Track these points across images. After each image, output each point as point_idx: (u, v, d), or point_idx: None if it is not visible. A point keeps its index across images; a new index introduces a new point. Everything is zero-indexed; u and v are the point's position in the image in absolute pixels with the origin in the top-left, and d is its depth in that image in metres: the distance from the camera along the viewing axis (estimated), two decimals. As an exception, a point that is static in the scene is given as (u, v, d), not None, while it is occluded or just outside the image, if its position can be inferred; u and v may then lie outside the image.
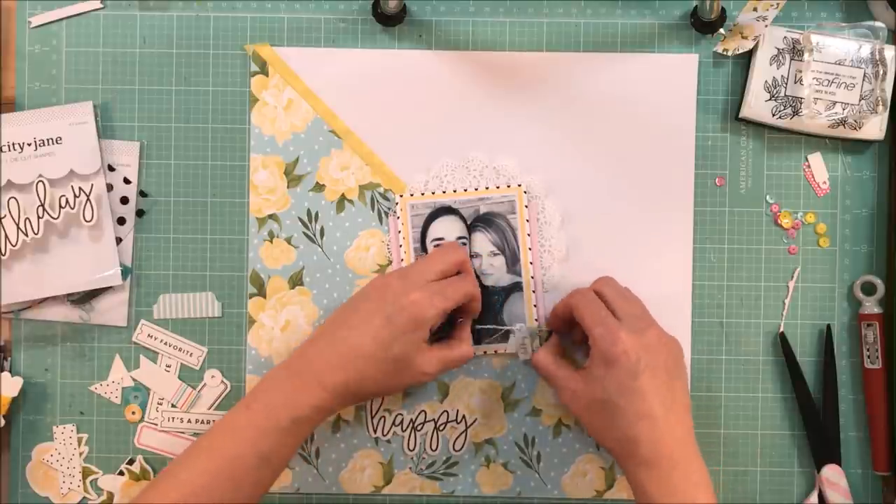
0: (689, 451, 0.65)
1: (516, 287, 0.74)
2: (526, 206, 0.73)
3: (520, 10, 0.75)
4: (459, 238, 0.74)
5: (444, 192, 0.74)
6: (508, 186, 0.74)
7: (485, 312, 0.73)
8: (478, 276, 0.73)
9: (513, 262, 0.74)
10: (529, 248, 0.73)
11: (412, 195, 0.74)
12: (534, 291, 0.73)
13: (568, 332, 0.73)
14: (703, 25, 0.74)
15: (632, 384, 0.64)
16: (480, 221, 0.74)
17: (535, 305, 0.73)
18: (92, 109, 0.74)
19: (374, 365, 0.66)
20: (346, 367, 0.65)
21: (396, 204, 0.74)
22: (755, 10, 0.71)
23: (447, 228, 0.74)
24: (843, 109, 0.73)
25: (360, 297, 0.69)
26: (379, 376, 0.66)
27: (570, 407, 0.68)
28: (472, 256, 0.74)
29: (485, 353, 0.74)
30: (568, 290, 0.74)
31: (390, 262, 0.74)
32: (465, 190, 0.74)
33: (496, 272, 0.74)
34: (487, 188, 0.74)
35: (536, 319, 0.73)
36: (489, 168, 0.74)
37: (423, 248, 0.74)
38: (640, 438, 0.64)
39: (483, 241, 0.74)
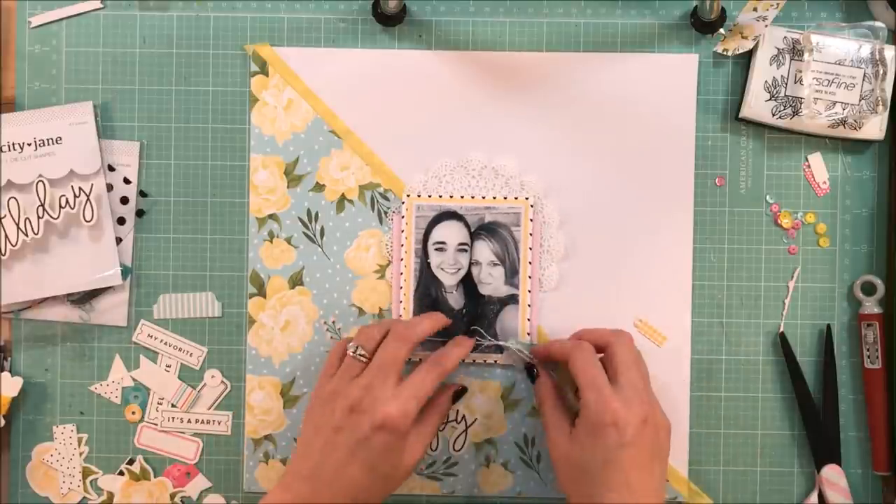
0: None
1: (512, 299, 0.73)
2: (531, 220, 0.73)
3: (520, 10, 0.75)
4: (461, 244, 0.73)
5: (451, 197, 0.74)
6: (516, 198, 0.73)
7: (480, 321, 0.73)
8: (475, 285, 0.73)
9: (511, 275, 0.73)
10: (530, 262, 0.73)
11: (419, 196, 0.74)
12: (529, 306, 0.73)
13: (552, 368, 0.72)
14: (703, 25, 0.74)
15: (614, 456, 0.62)
16: (484, 230, 0.73)
17: (528, 320, 0.73)
18: (92, 109, 0.74)
19: (366, 489, 0.64)
20: (346, 497, 0.64)
21: (402, 203, 0.74)
22: (755, 10, 0.71)
23: (450, 233, 0.74)
24: (843, 109, 0.73)
25: (327, 417, 0.66)
26: (378, 491, 0.65)
27: (551, 454, 0.66)
28: (472, 264, 0.74)
29: (484, 361, 0.74)
30: (568, 292, 0.74)
31: (390, 262, 0.74)
32: (473, 197, 0.74)
33: (494, 282, 0.73)
34: (495, 197, 0.74)
35: (529, 333, 0.73)
36: (488, 168, 0.74)
37: (424, 250, 0.74)
38: None
39: (484, 250, 0.73)
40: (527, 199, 0.73)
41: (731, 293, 0.75)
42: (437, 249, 0.73)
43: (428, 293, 0.73)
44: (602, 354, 0.68)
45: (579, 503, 0.64)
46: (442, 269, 0.73)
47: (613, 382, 0.65)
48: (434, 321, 0.70)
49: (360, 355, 0.67)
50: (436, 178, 0.74)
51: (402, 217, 0.74)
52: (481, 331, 0.73)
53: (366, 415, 0.64)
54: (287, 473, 0.66)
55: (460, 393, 0.73)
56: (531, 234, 0.73)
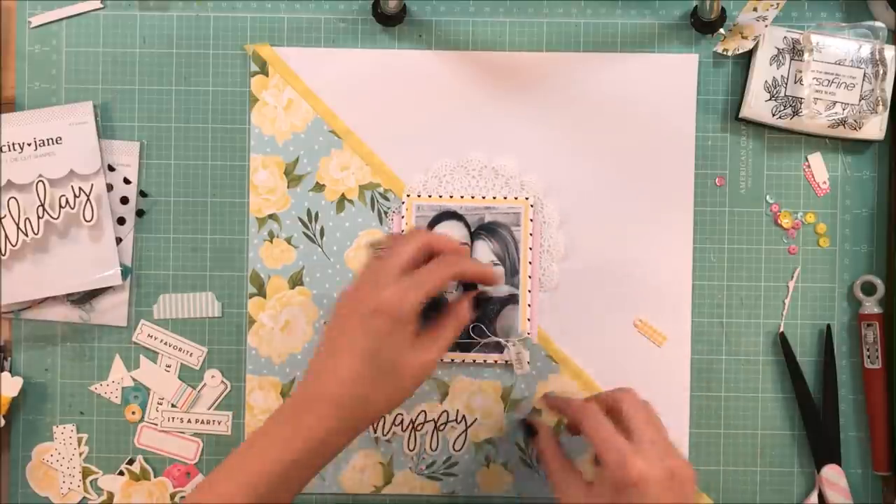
0: None
1: (512, 299, 0.73)
2: (531, 220, 0.73)
3: (520, 10, 0.75)
4: (461, 244, 0.73)
5: (451, 197, 0.74)
6: (516, 198, 0.73)
7: (480, 321, 0.73)
8: (475, 285, 0.73)
9: (511, 274, 0.73)
10: (530, 262, 0.73)
11: (419, 196, 0.74)
12: (529, 305, 0.73)
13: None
14: (703, 25, 0.74)
15: None
16: (484, 230, 0.73)
17: (528, 320, 0.73)
18: (92, 109, 0.74)
19: (371, 381, 0.61)
20: (346, 394, 0.61)
21: (402, 203, 0.74)
22: (755, 10, 0.71)
23: (450, 232, 0.73)
24: (843, 109, 0.73)
25: (335, 318, 0.64)
26: (379, 390, 0.62)
27: None
28: None
29: (484, 361, 0.74)
30: (568, 291, 0.74)
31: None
32: (473, 197, 0.74)
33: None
34: (495, 197, 0.74)
35: (529, 333, 0.73)
36: (488, 168, 0.74)
37: None
38: None
39: (484, 250, 0.73)
40: (527, 198, 0.73)
41: (731, 293, 0.75)
42: None
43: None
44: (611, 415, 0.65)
45: None
46: None
47: (631, 440, 0.61)
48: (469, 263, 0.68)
49: (379, 249, 0.65)
50: (436, 178, 0.74)
51: (402, 217, 0.74)
52: (482, 327, 0.73)
53: (367, 300, 0.61)
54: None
55: (480, 299, 0.69)
56: (531, 234, 0.73)
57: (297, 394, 0.63)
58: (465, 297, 0.68)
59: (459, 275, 0.66)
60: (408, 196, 0.74)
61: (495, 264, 0.73)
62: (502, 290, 0.73)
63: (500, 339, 0.73)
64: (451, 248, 0.66)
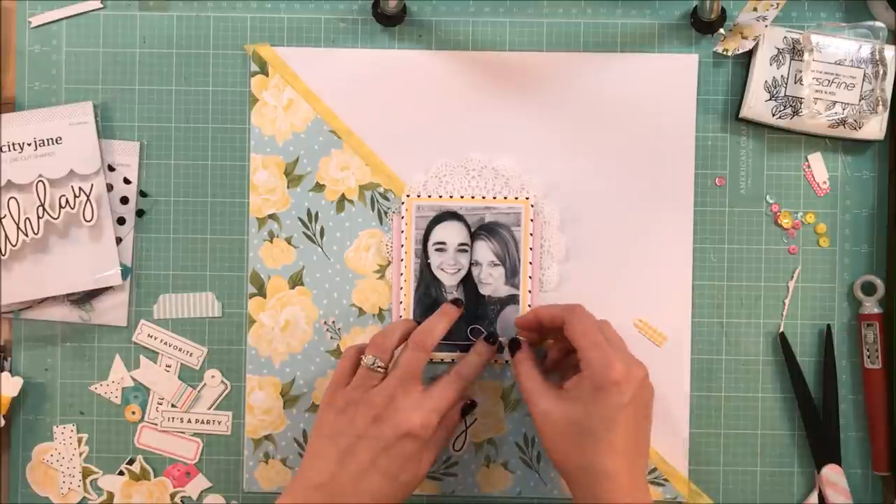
0: (646, 495, 0.64)
1: (512, 299, 0.73)
2: (531, 220, 0.73)
3: (520, 10, 0.75)
4: (461, 245, 0.73)
5: (451, 197, 0.74)
6: (516, 199, 0.73)
7: (480, 321, 0.73)
8: (475, 285, 0.73)
9: (512, 275, 0.73)
10: (530, 262, 0.73)
11: (419, 196, 0.74)
12: (529, 305, 0.73)
13: (537, 342, 0.72)
14: (703, 25, 0.74)
15: (616, 416, 0.62)
16: (484, 230, 0.73)
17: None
18: (92, 109, 0.74)
19: (387, 497, 0.65)
20: None
21: (402, 204, 0.74)
22: (755, 10, 0.71)
23: (450, 233, 0.74)
24: (843, 109, 0.73)
25: (347, 432, 0.66)
26: (393, 500, 0.65)
27: (538, 424, 0.65)
28: (472, 264, 0.74)
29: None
30: (568, 292, 0.74)
31: (390, 262, 0.74)
32: (473, 197, 0.74)
33: (494, 282, 0.73)
34: (495, 197, 0.74)
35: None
36: (488, 168, 0.74)
37: (425, 251, 0.74)
38: (609, 471, 0.62)
39: (484, 250, 0.73)
40: (527, 198, 0.73)
41: (731, 293, 0.75)
42: (437, 250, 0.73)
43: (428, 293, 0.73)
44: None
45: (576, 465, 0.63)
46: (442, 269, 0.73)
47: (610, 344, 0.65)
48: (448, 318, 0.71)
49: (378, 367, 0.67)
50: (436, 178, 0.74)
51: (402, 217, 0.74)
52: (480, 328, 0.73)
53: (389, 423, 0.64)
54: (294, 484, 0.65)
55: (470, 407, 0.73)
56: (531, 235, 0.73)
57: (301, 491, 0.65)
58: (457, 407, 0.71)
59: (470, 382, 0.69)
60: (407, 196, 0.74)
61: (495, 265, 0.73)
62: (502, 290, 0.73)
63: (501, 339, 0.73)
64: (445, 329, 0.70)
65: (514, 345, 0.71)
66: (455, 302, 0.72)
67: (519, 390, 0.70)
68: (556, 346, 0.71)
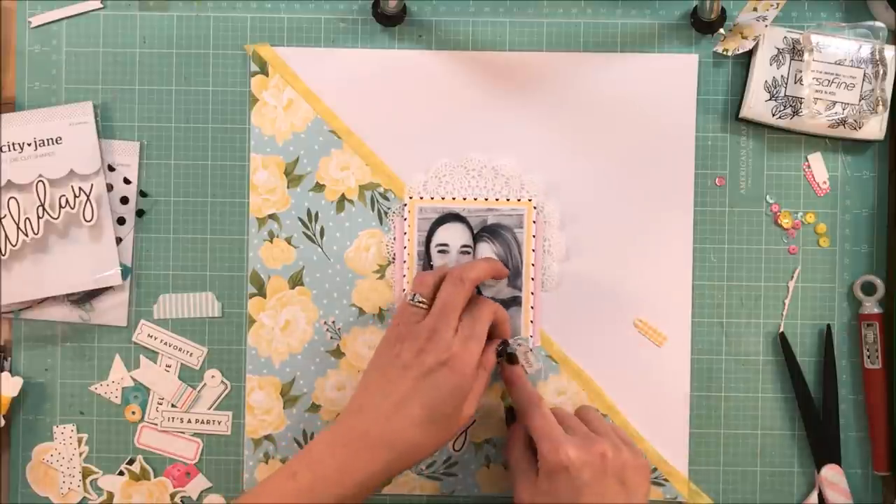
0: None
1: (515, 301, 0.73)
2: (534, 222, 0.73)
3: (520, 10, 0.75)
4: (463, 246, 0.73)
5: (453, 199, 0.74)
6: (519, 200, 0.73)
7: None
8: (478, 287, 0.73)
9: (514, 277, 0.73)
10: (533, 265, 0.73)
11: (421, 198, 0.74)
12: (532, 308, 0.73)
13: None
14: (703, 25, 0.74)
15: (576, 499, 0.63)
16: (487, 232, 0.73)
17: (531, 322, 0.73)
18: (92, 109, 0.74)
19: (425, 431, 0.64)
20: (399, 438, 0.63)
21: (405, 206, 0.74)
22: (755, 10, 0.71)
23: (453, 235, 0.73)
24: (843, 109, 0.73)
25: (389, 358, 0.66)
26: (431, 439, 0.64)
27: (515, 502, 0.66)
28: None
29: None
30: (568, 291, 0.74)
31: (389, 262, 0.74)
32: (475, 199, 0.74)
33: (497, 284, 0.73)
34: (497, 199, 0.74)
35: (531, 335, 0.73)
36: (488, 168, 0.74)
37: (427, 252, 0.73)
38: None
39: (487, 253, 0.73)
40: (529, 200, 0.73)
41: (731, 293, 0.75)
42: (439, 251, 0.73)
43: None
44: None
45: None
46: None
47: (571, 433, 0.66)
48: (490, 265, 0.70)
49: (420, 302, 0.67)
50: (436, 178, 0.74)
51: (405, 219, 0.74)
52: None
53: (432, 354, 0.64)
54: (342, 413, 0.66)
55: (503, 347, 0.71)
56: (534, 237, 0.73)
57: (346, 431, 0.65)
58: (491, 346, 0.69)
59: (471, 281, 0.68)
60: (410, 198, 0.74)
61: None
62: (504, 291, 0.73)
63: (509, 341, 0.73)
64: (486, 271, 0.70)
65: (511, 414, 0.73)
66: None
67: (504, 456, 0.71)
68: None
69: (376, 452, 0.63)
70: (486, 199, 0.74)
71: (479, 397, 0.66)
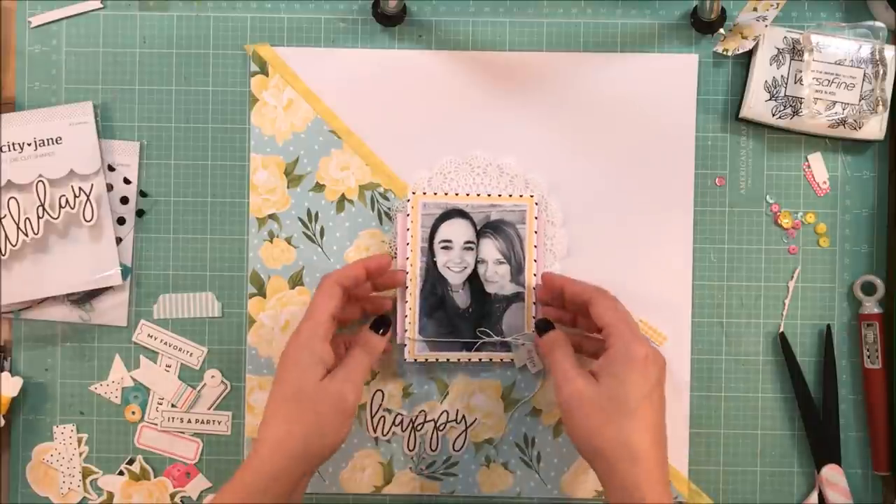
0: (668, 487, 0.64)
1: (518, 297, 0.73)
2: (536, 218, 0.73)
3: (520, 10, 0.75)
4: (467, 242, 0.73)
5: (456, 195, 0.74)
6: (521, 196, 0.73)
7: (486, 320, 0.73)
8: (481, 283, 0.73)
9: (517, 272, 0.73)
10: (535, 260, 0.73)
11: (424, 193, 0.74)
12: (535, 303, 0.73)
13: (556, 312, 0.72)
14: (703, 25, 0.74)
15: (649, 393, 0.63)
16: (490, 228, 0.73)
17: (534, 317, 0.73)
18: (92, 109, 0.74)
19: (285, 417, 0.64)
20: (268, 436, 0.65)
21: (408, 201, 0.73)
22: (755, 10, 0.71)
23: (456, 231, 0.73)
24: (843, 109, 0.73)
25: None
26: (298, 424, 0.64)
27: (570, 404, 0.64)
28: (478, 262, 0.73)
29: (490, 360, 0.73)
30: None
31: (393, 259, 0.74)
32: (479, 195, 0.74)
33: (500, 280, 0.73)
34: (500, 195, 0.73)
35: (534, 331, 0.73)
36: (493, 166, 0.74)
37: (430, 249, 0.73)
38: (644, 448, 0.62)
39: (490, 248, 0.73)
40: (531, 196, 0.73)
41: (731, 293, 0.75)
42: (443, 248, 0.73)
43: (434, 292, 0.73)
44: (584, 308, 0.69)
45: (612, 441, 0.63)
46: (448, 267, 0.73)
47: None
48: (358, 262, 0.70)
49: None
50: (441, 175, 0.74)
51: (408, 215, 0.74)
52: (489, 331, 0.73)
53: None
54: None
55: (381, 322, 0.70)
56: (536, 232, 0.73)
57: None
58: (366, 325, 0.69)
59: (337, 283, 0.68)
60: (413, 193, 0.74)
61: (501, 262, 0.73)
62: (507, 287, 0.73)
63: (510, 339, 0.73)
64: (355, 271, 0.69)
65: (545, 325, 0.70)
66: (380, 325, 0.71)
67: (550, 370, 0.69)
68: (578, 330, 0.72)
69: (264, 453, 0.64)
70: (489, 195, 0.74)
71: (351, 379, 0.66)
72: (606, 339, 0.65)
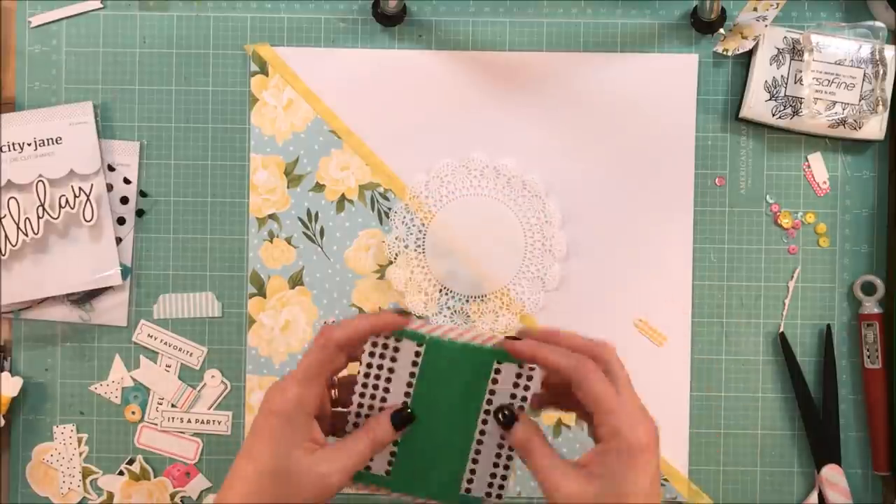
0: None
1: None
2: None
3: (520, 10, 0.75)
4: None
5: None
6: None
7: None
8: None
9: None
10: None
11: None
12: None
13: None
14: (703, 25, 0.74)
15: (649, 486, 0.53)
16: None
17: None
18: (92, 109, 0.74)
19: (260, 492, 0.54)
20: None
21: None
22: (755, 10, 0.71)
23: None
24: (843, 109, 0.73)
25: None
26: (274, 499, 0.54)
27: (557, 500, 0.53)
28: None
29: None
30: (567, 292, 0.74)
31: (390, 262, 0.74)
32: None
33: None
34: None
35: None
36: (489, 168, 0.74)
37: None
38: None
39: None
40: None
41: (731, 293, 0.75)
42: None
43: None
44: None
45: None
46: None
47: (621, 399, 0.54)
48: (364, 321, 0.57)
49: None
50: (438, 179, 0.74)
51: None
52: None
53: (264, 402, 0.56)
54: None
55: (405, 417, 0.57)
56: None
57: None
58: (386, 412, 0.57)
59: (334, 342, 0.55)
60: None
61: None
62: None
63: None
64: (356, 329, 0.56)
65: (509, 417, 0.57)
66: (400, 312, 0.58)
67: (530, 469, 0.55)
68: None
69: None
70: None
71: (342, 462, 0.55)
72: (596, 420, 0.54)
